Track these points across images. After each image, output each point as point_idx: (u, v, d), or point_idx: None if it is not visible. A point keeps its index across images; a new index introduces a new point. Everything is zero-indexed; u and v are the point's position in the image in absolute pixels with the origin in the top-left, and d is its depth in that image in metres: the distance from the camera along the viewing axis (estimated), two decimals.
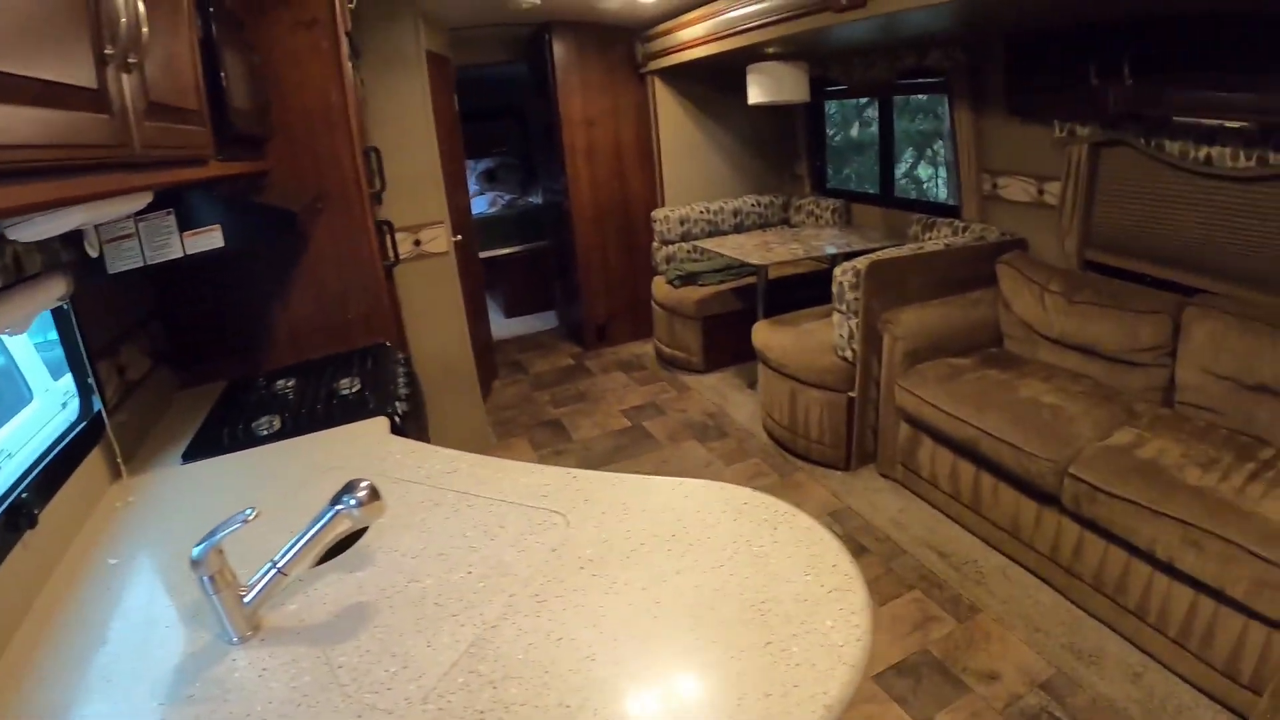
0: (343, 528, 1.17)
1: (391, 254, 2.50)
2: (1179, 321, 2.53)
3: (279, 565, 1.09)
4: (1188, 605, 2.03)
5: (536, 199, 6.46)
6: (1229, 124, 2.43)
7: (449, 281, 3.29)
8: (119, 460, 1.73)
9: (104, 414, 1.70)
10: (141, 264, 1.58)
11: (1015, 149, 3.33)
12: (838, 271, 3.07)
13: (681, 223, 4.87)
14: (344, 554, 1.27)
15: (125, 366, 1.95)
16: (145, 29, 1.01)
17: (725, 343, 4.47)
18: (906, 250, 3.15)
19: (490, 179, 6.80)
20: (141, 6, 1.02)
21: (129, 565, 1.37)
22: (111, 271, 1.58)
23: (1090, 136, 2.89)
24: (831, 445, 3.25)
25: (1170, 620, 2.09)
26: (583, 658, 0.95)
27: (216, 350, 2.33)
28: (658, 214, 4.85)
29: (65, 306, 1.63)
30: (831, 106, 5.35)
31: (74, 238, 1.58)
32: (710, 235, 4.91)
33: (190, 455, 1.79)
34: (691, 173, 5.05)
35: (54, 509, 1.43)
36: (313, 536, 1.09)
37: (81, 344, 1.69)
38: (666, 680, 0.92)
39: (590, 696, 0.89)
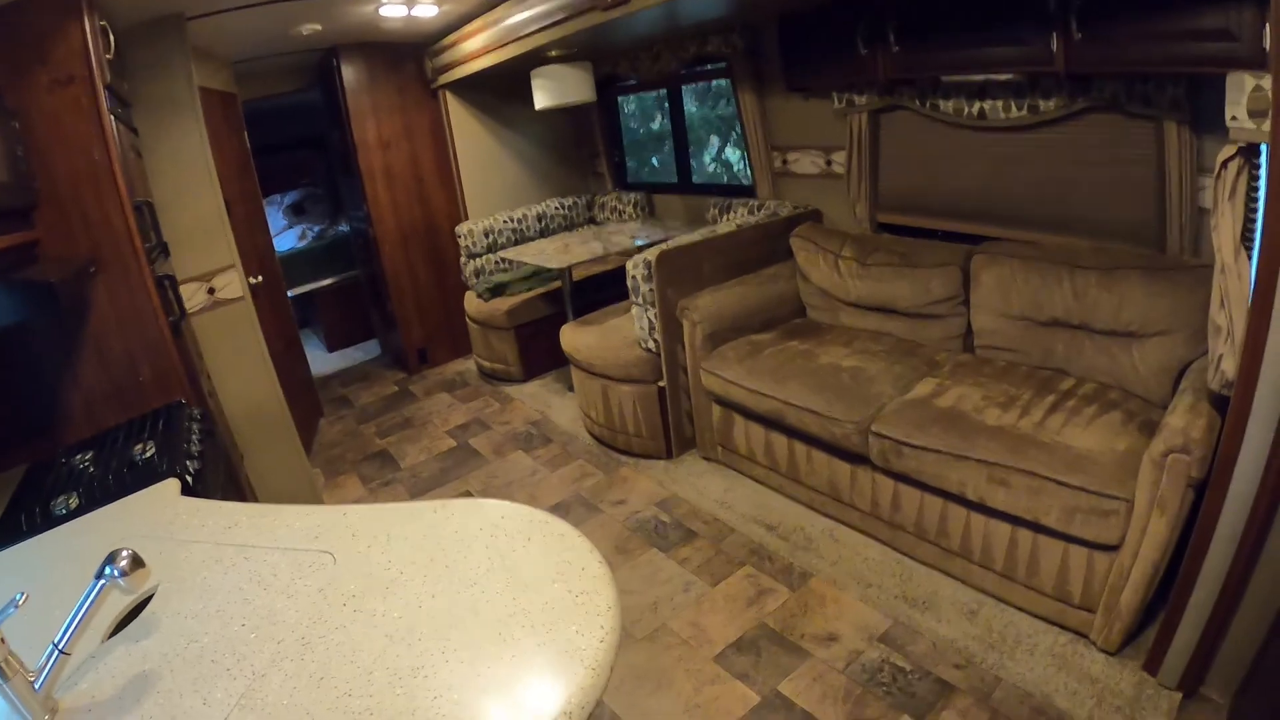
0: (115, 598, 1.26)
1: (177, 309, 2.53)
2: (968, 270, 2.74)
3: (59, 646, 1.13)
4: (1007, 539, 2.19)
5: (346, 228, 6.40)
6: (997, 77, 2.64)
7: (249, 327, 3.29)
8: None
9: None
10: None
11: (800, 124, 3.57)
12: (629, 265, 3.24)
13: (486, 234, 4.96)
14: (131, 623, 1.35)
15: None
16: None
17: (541, 350, 4.64)
18: (698, 235, 3.37)
19: (298, 212, 6.67)
20: None
21: None
22: None
23: (868, 105, 3.13)
24: (650, 437, 3.47)
25: (994, 556, 2.25)
26: (340, 694, 1.06)
27: (13, 433, 2.29)
28: (461, 228, 4.93)
29: None
30: (629, 102, 5.62)
31: None
32: (517, 243, 5.03)
33: None
34: (492, 183, 5.16)
35: None
36: (85, 612, 1.15)
37: None
38: (416, 710, 1.01)
39: None
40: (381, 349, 5.93)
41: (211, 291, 3.16)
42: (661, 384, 3.38)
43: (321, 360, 5.99)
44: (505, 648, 1.08)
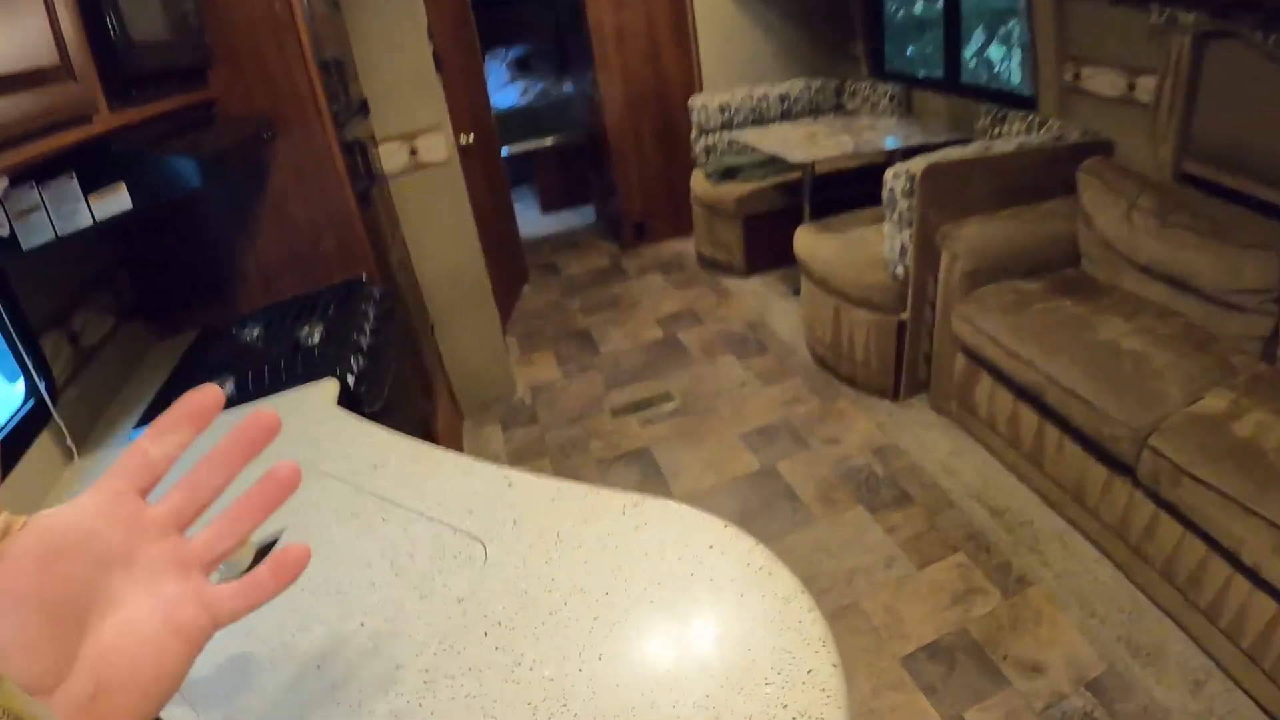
0: None
1: (366, 175, 2.35)
2: None
3: None
4: (1268, 618, 1.77)
5: (571, 88, 6.14)
6: None
7: (452, 192, 3.09)
8: (69, 443, 1.69)
9: (45, 395, 1.68)
10: (53, 237, 1.50)
11: (1103, 33, 2.85)
12: (889, 174, 2.73)
13: (722, 110, 4.51)
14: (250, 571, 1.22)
15: (80, 333, 1.88)
16: None
17: (769, 244, 4.18)
18: (971, 150, 2.78)
19: (521, 68, 6.44)
20: None
21: None
22: (26, 248, 1.50)
23: (1195, 26, 2.41)
24: (879, 372, 3.02)
25: (1245, 629, 1.83)
26: None
27: (189, 298, 2.24)
28: (695, 101, 4.50)
29: None
30: None
31: None
32: (755, 124, 4.54)
33: (141, 427, 1.75)
34: (732, 54, 4.63)
35: None
36: None
37: (8, 324, 1.65)
38: None
39: None
40: (597, 216, 5.72)
41: (414, 153, 2.97)
42: (904, 317, 2.87)
43: (534, 222, 5.90)
44: None
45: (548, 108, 5.90)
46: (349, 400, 1.74)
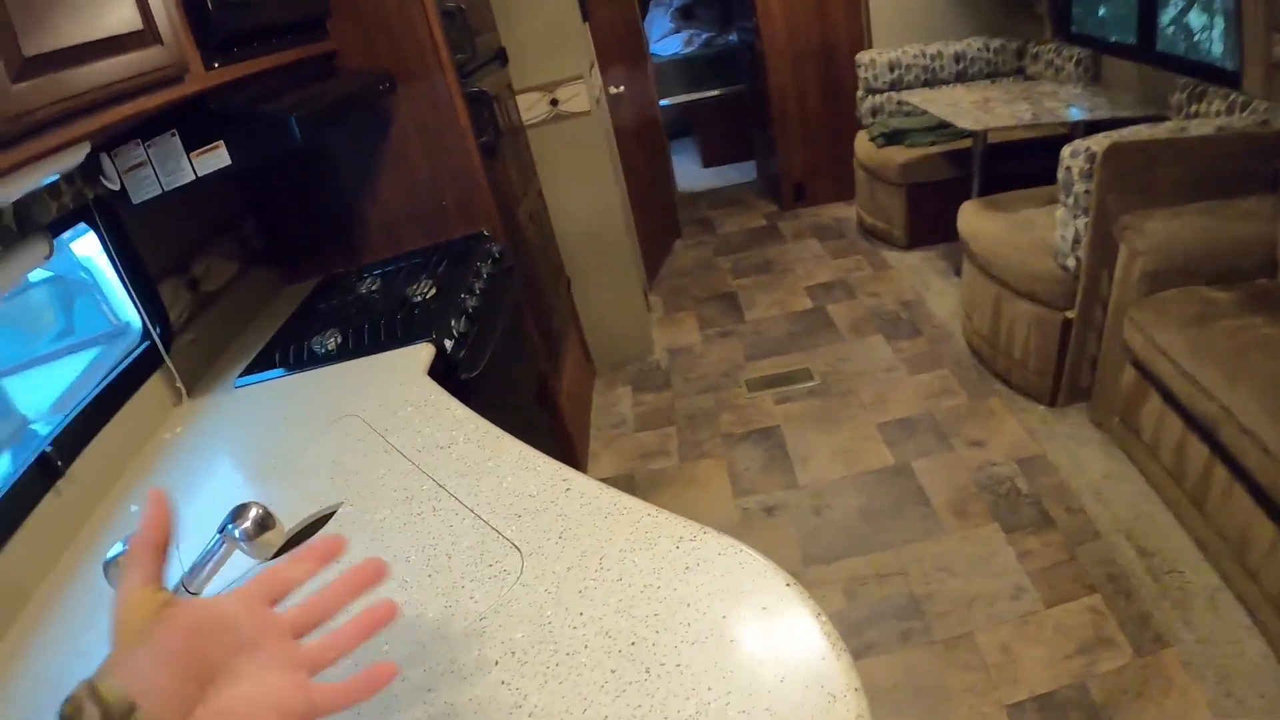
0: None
1: (492, 129, 2.29)
2: None
3: (186, 587, 0.99)
4: None
5: (734, 38, 5.87)
6: None
7: (593, 145, 2.99)
8: (179, 384, 1.76)
9: (157, 340, 1.75)
10: (160, 191, 1.53)
11: None
12: (1066, 152, 2.35)
13: (891, 68, 4.13)
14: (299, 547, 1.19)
15: (200, 279, 1.95)
16: None
17: (933, 216, 3.80)
18: (1163, 130, 2.34)
19: (686, 16, 6.21)
20: None
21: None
22: (136, 201, 1.53)
23: None
24: (1037, 372, 2.66)
25: None
26: None
27: (315, 245, 2.29)
28: (862, 57, 4.16)
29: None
30: None
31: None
32: (926, 85, 4.15)
33: (247, 375, 1.78)
34: (906, 8, 4.24)
35: (99, 446, 1.48)
36: (210, 563, 0.98)
37: (122, 272, 1.71)
38: None
39: None
40: (758, 174, 5.49)
41: (554, 103, 2.89)
42: (1070, 314, 2.50)
43: (694, 175, 5.74)
44: None
45: (712, 58, 5.68)
46: (444, 366, 1.70)
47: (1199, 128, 2.43)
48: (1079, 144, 2.34)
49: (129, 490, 1.49)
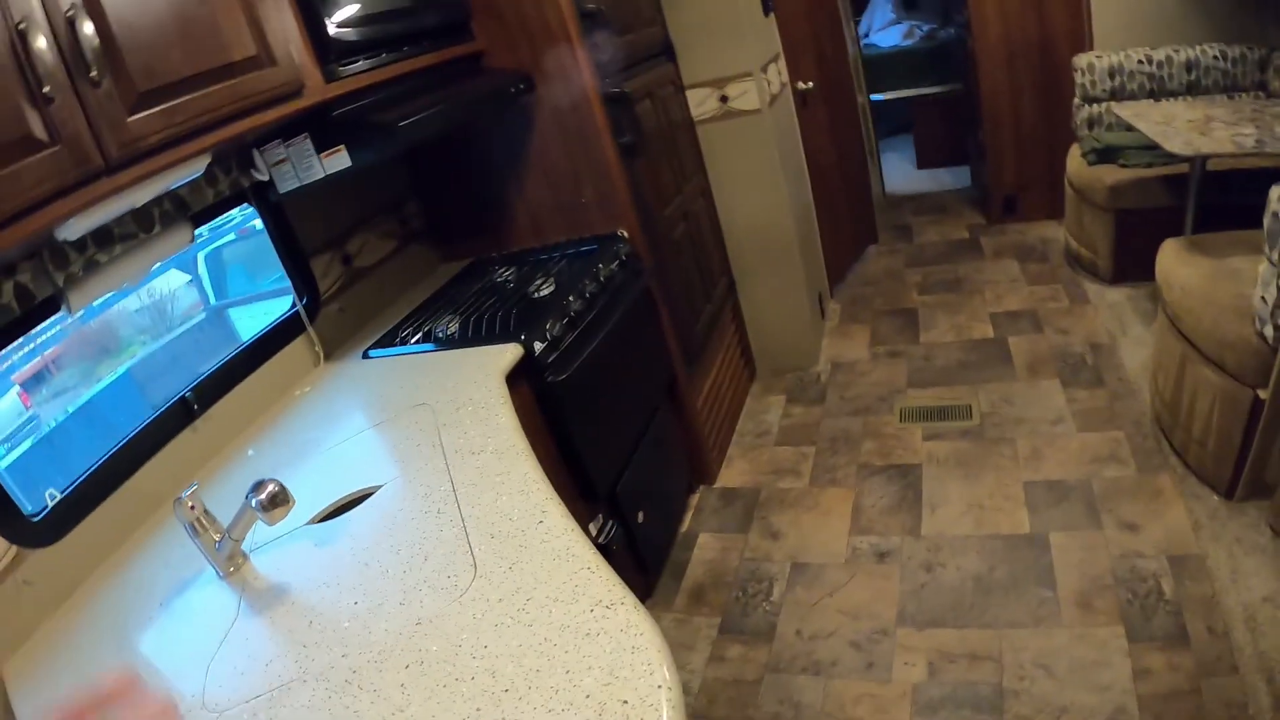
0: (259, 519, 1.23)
1: (632, 129, 2.31)
2: None
3: (229, 534, 1.23)
4: None
5: (952, 32, 5.50)
6: None
7: (764, 145, 2.95)
8: (318, 348, 2.04)
9: (301, 309, 2.02)
10: (298, 184, 1.75)
11: None
12: (1274, 194, 1.97)
13: (1112, 75, 3.63)
14: (339, 517, 1.36)
15: (354, 254, 2.22)
16: (93, 45, 1.12)
17: (1144, 248, 3.25)
18: None
19: (908, 6, 5.86)
20: (88, 27, 1.12)
21: (261, 458, 1.67)
22: (281, 191, 1.78)
23: None
24: (1216, 457, 2.26)
25: None
26: None
27: (468, 228, 2.50)
28: (1080, 60, 3.70)
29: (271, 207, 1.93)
30: None
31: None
32: (1151, 95, 3.63)
33: (375, 347, 2.01)
34: (1132, 5, 3.72)
35: (239, 393, 1.80)
36: (239, 523, 1.21)
37: (277, 246, 1.99)
38: None
39: None
40: (972, 180, 5.11)
41: (724, 100, 2.89)
42: (1263, 393, 2.10)
43: (906, 176, 5.46)
44: None
45: (931, 51, 5.29)
46: (530, 368, 1.81)
47: None
48: None
49: (255, 436, 1.78)
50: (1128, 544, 2.22)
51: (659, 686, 0.83)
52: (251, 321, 2.81)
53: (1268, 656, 1.88)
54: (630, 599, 0.96)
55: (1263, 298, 2.06)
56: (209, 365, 1.78)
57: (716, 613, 2.30)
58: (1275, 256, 1.99)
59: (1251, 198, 2.14)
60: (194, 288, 3.06)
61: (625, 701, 0.82)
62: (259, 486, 1.14)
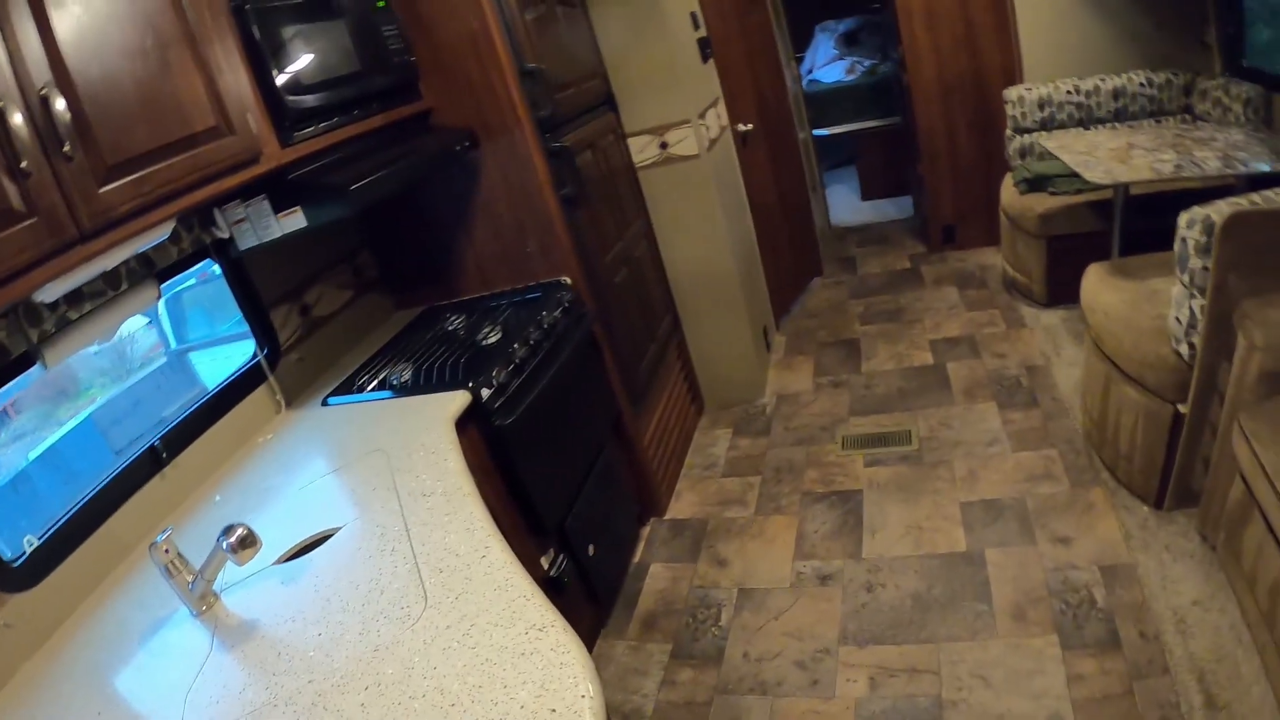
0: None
1: (573, 181, 2.47)
2: None
3: (201, 574, 1.37)
4: None
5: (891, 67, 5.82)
6: None
7: (702, 188, 3.16)
8: (279, 397, 2.18)
9: (262, 359, 2.16)
10: (257, 242, 1.90)
11: None
12: (1183, 220, 2.17)
13: (1042, 106, 3.93)
14: (301, 558, 1.50)
15: (312, 305, 2.36)
16: (65, 121, 1.26)
17: (1076, 272, 3.52)
18: None
19: (850, 42, 6.17)
20: (60, 103, 1.25)
21: (227, 503, 1.80)
22: (242, 248, 1.93)
23: None
24: (1142, 471, 2.49)
25: None
26: None
27: (420, 276, 2.66)
28: (1011, 93, 3.99)
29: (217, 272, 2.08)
30: None
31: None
32: (1081, 124, 3.92)
33: (334, 395, 2.16)
34: (1060, 39, 4.01)
35: (205, 441, 1.93)
36: (210, 564, 1.34)
37: (239, 300, 2.14)
38: None
39: None
40: (914, 210, 5.39)
41: (664, 146, 3.09)
42: (1183, 409, 2.31)
43: (852, 208, 5.73)
44: None
45: (873, 86, 5.59)
46: (478, 413, 1.97)
47: None
48: (1197, 211, 2.16)
49: (220, 481, 1.91)
50: (1061, 557, 2.40)
51: (582, 696, 0.98)
52: (213, 365, 2.93)
53: (1198, 657, 2.04)
54: (560, 622, 1.12)
55: (1177, 318, 2.28)
56: (172, 410, 1.91)
57: (668, 639, 2.45)
58: (1186, 279, 2.21)
59: (1174, 220, 2.33)
60: (154, 329, 3.16)
61: (554, 710, 0.97)
62: (229, 530, 1.28)
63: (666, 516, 3.04)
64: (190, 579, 1.38)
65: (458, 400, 1.93)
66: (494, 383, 2.01)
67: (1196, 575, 2.26)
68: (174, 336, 3.19)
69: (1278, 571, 1.90)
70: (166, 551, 1.35)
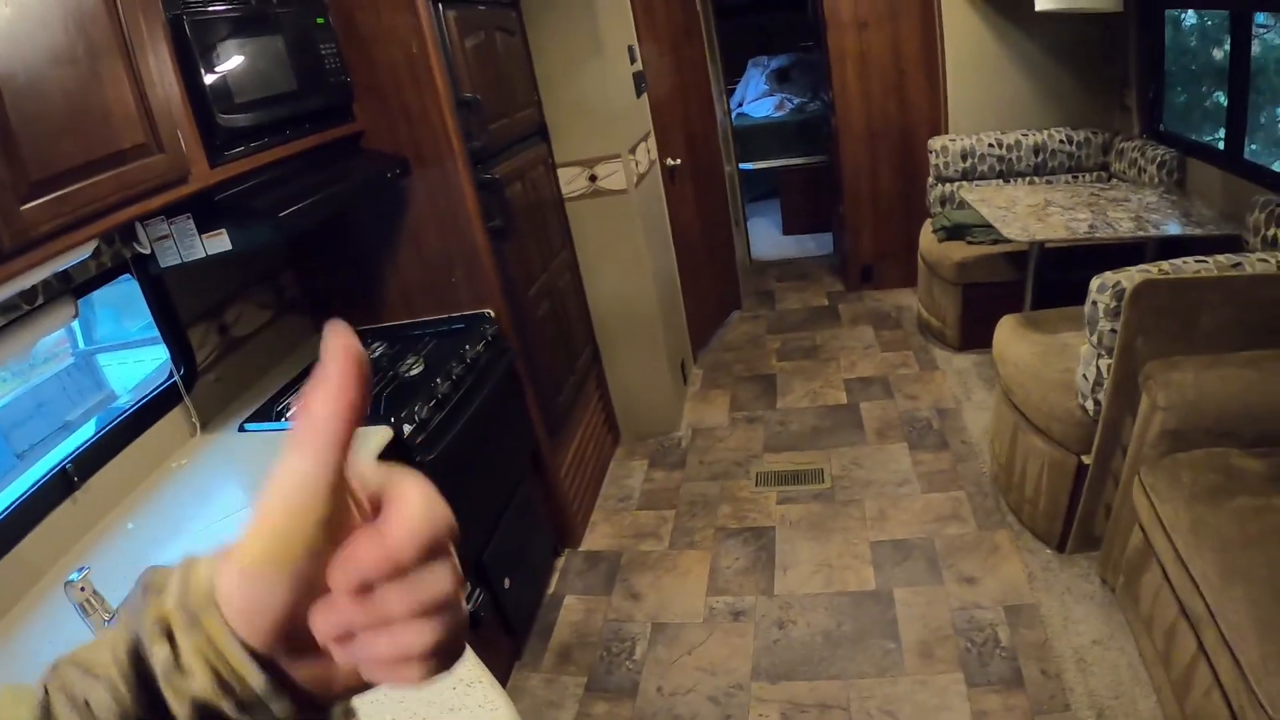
0: None
1: (501, 213, 2.55)
2: None
3: (117, 615, 1.37)
4: None
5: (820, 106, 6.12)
6: None
7: (628, 222, 3.29)
8: (195, 419, 2.17)
9: (178, 379, 2.14)
10: (180, 261, 1.89)
11: None
12: (1094, 285, 2.39)
13: (964, 157, 4.21)
14: None
15: (231, 324, 2.35)
16: None
17: (989, 320, 3.77)
18: (1213, 266, 2.29)
19: (781, 79, 6.48)
20: None
21: (140, 531, 1.79)
22: (163, 265, 1.92)
23: None
24: (1046, 514, 2.69)
25: None
26: None
27: (344, 300, 2.67)
28: (935, 143, 4.26)
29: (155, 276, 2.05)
30: (1187, 16, 3.90)
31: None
32: (1001, 176, 4.22)
33: (252, 420, 2.16)
34: (985, 93, 4.30)
35: (117, 465, 1.90)
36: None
37: (155, 317, 2.12)
38: None
39: None
40: (834, 247, 5.65)
41: (593, 179, 3.19)
42: (1086, 459, 2.52)
43: (772, 243, 5.95)
44: None
45: (801, 124, 5.91)
46: (401, 448, 2.01)
47: (1259, 264, 2.33)
48: (1109, 277, 2.35)
49: (133, 507, 1.89)
50: (967, 596, 2.58)
51: None
52: (122, 369, 2.86)
53: (1097, 694, 2.22)
54: (487, 677, 1.18)
55: (1084, 375, 2.48)
56: (77, 415, 1.87)
57: (583, 671, 2.52)
58: (1095, 339, 2.42)
59: (1088, 274, 2.53)
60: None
61: None
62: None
63: (581, 548, 3.11)
64: (107, 618, 1.38)
65: (380, 435, 1.96)
66: (416, 418, 2.05)
67: (1096, 616, 2.46)
68: (82, 336, 3.09)
69: (1173, 616, 2.07)
70: (83, 589, 1.35)
